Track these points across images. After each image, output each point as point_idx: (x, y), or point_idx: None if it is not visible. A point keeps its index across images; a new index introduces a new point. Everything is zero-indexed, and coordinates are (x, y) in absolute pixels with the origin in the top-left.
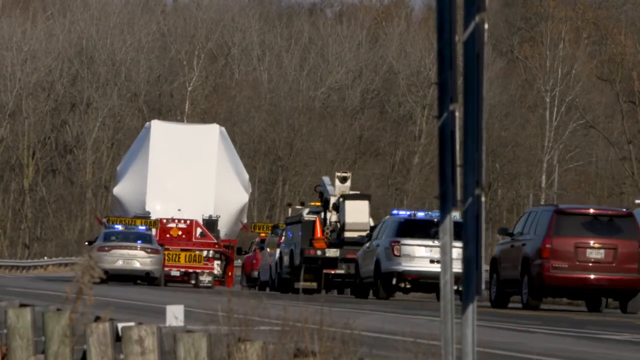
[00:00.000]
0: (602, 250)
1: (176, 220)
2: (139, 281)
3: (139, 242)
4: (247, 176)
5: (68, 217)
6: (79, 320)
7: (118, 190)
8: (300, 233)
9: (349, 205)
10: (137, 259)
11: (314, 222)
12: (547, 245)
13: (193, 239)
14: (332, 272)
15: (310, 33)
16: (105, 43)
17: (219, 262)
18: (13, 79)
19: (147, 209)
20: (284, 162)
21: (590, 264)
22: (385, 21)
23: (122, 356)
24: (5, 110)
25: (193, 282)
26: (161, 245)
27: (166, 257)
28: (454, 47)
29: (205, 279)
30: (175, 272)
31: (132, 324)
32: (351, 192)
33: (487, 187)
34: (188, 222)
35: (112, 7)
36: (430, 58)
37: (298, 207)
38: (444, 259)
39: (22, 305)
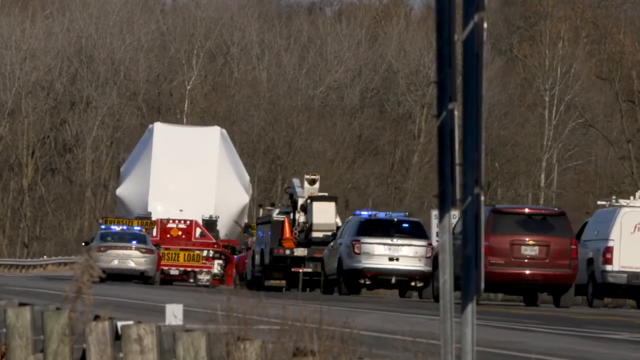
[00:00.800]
0: (536, 247)
1: (176, 221)
2: (135, 281)
3: (133, 242)
4: (247, 177)
5: (67, 216)
6: (78, 319)
7: (121, 191)
8: (269, 233)
9: (316, 206)
10: (132, 258)
11: (282, 222)
12: (485, 243)
13: (192, 239)
14: (300, 270)
15: (310, 32)
16: (104, 42)
17: (220, 261)
18: (12, 77)
19: (149, 209)
20: (283, 161)
21: (525, 261)
22: (385, 20)
23: (121, 355)
24: (4, 109)
25: (192, 280)
26: (156, 245)
27: (166, 257)
28: (453, 46)
29: (204, 277)
30: (174, 271)
31: (131, 322)
32: (319, 194)
33: (486, 186)
34: (188, 222)
35: (111, 6)
36: (429, 57)
37: (269, 207)
38: (443, 258)
39: (22, 304)
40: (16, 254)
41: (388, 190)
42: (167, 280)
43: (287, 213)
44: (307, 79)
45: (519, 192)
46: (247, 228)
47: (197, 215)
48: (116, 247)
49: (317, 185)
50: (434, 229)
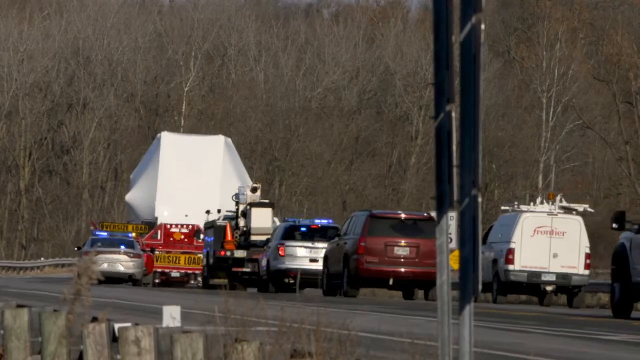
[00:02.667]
0: (408, 248)
1: (179, 225)
2: (129, 283)
3: (122, 247)
4: (250, 183)
5: (64, 218)
6: (76, 320)
7: (130, 197)
8: (213, 237)
9: (255, 212)
10: (121, 262)
11: (225, 226)
12: (362, 244)
13: (194, 243)
14: (240, 270)
15: (307, 33)
16: (102, 43)
17: None
18: (9, 79)
19: (156, 214)
20: (281, 163)
21: (398, 259)
22: (382, 22)
23: (118, 357)
24: (1, 110)
25: (192, 282)
26: (151, 249)
27: (167, 259)
28: (450, 47)
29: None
30: (175, 274)
31: (128, 324)
32: (257, 201)
33: (483, 188)
34: (190, 226)
35: (108, 8)
36: (426, 58)
37: (215, 213)
38: (441, 259)
39: (19, 306)
40: (14, 256)
41: (386, 192)
42: (169, 282)
43: (233, 218)
44: (305, 81)
45: (516, 193)
46: (197, 232)
47: (202, 220)
48: (105, 252)
49: (258, 192)
50: None
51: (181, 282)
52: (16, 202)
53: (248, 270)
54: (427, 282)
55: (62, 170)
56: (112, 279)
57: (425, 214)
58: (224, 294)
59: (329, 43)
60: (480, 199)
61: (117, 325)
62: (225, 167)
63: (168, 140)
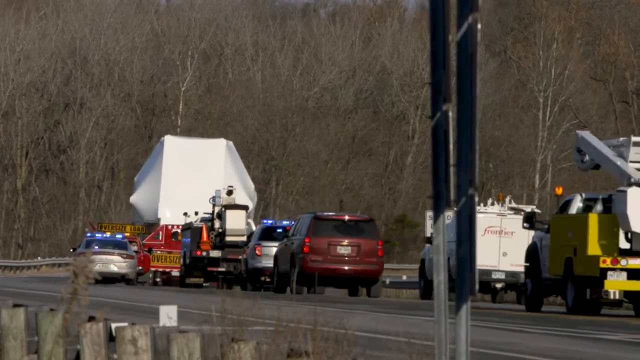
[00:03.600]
0: (349, 247)
1: (180, 226)
2: (123, 282)
3: (115, 248)
4: (252, 186)
5: (61, 217)
6: (73, 320)
7: (134, 198)
8: (190, 238)
9: (229, 214)
10: (114, 263)
11: (201, 228)
12: (307, 243)
13: None
14: (215, 269)
15: (304, 33)
16: (98, 43)
17: None
18: (6, 79)
19: (159, 215)
20: (278, 162)
21: (340, 258)
22: (379, 21)
23: (115, 356)
24: None
25: None
26: (149, 249)
27: (169, 260)
28: (447, 47)
29: None
30: (176, 273)
31: (125, 324)
32: (232, 204)
33: (480, 187)
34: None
35: (105, 7)
36: (423, 58)
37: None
38: (438, 259)
39: (16, 305)
40: (10, 255)
41: (382, 191)
42: (170, 281)
43: (210, 220)
44: (301, 80)
45: (513, 193)
46: (174, 234)
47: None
48: (100, 253)
49: (233, 195)
50: (429, 230)
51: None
52: (13, 202)
53: (223, 269)
54: (367, 279)
55: (59, 170)
56: (105, 278)
57: (366, 216)
58: (221, 294)
59: (326, 42)
60: (477, 199)
61: (114, 325)
62: (226, 170)
63: (171, 143)
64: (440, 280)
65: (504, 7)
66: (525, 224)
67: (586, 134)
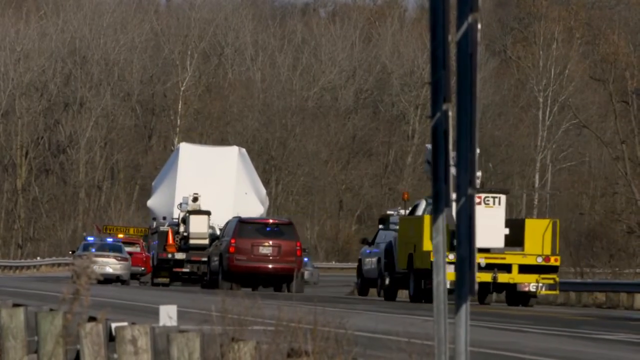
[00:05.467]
0: (270, 248)
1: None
2: (119, 283)
3: (111, 251)
4: (264, 191)
5: (61, 217)
6: (73, 320)
7: (151, 202)
8: (157, 241)
9: (193, 219)
10: (110, 265)
11: (167, 232)
12: (233, 244)
13: None
14: (180, 270)
15: (304, 33)
16: (98, 43)
17: None
18: (6, 78)
19: (174, 218)
20: (277, 162)
21: (262, 257)
22: (379, 21)
23: (115, 356)
24: None
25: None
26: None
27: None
28: (447, 47)
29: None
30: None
31: (125, 324)
32: (196, 209)
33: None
34: None
35: (105, 7)
36: (423, 58)
37: (162, 220)
38: (437, 259)
39: (15, 305)
40: (10, 255)
41: (382, 191)
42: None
43: (176, 225)
44: (301, 80)
45: (513, 192)
46: (144, 237)
47: (217, 225)
48: (96, 256)
49: (198, 202)
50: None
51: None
52: (13, 201)
53: (187, 270)
54: (287, 276)
55: (59, 170)
56: (101, 280)
57: (286, 220)
58: (221, 294)
59: (326, 42)
60: (476, 199)
61: (113, 325)
62: (238, 175)
63: (186, 150)
64: (439, 280)
65: (504, 7)
66: (380, 225)
67: None
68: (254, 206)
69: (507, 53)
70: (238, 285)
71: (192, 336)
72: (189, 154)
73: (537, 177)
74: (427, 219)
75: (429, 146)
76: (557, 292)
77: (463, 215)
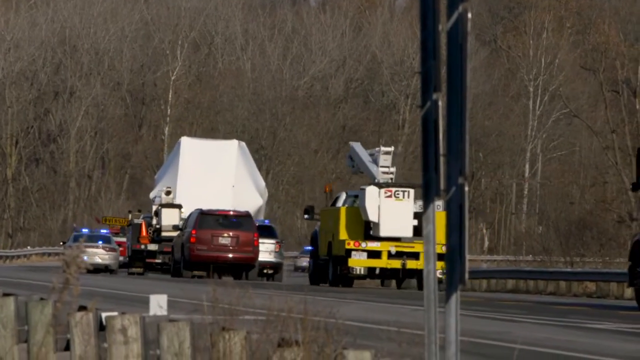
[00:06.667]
0: (229, 238)
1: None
2: (108, 273)
3: (100, 242)
4: (263, 183)
5: (51, 206)
6: (63, 309)
7: (154, 194)
8: (131, 233)
9: (164, 212)
10: (99, 255)
11: (140, 224)
12: (194, 235)
13: None
14: (153, 261)
15: (294, 22)
16: (88, 32)
17: None
18: None
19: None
20: (267, 152)
21: (222, 247)
22: (369, 10)
23: (105, 345)
24: None
25: None
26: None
27: None
28: (437, 36)
29: None
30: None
31: (115, 313)
32: (168, 203)
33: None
34: None
35: None
36: (413, 47)
37: (137, 213)
38: (427, 249)
39: (5, 295)
40: (0, 244)
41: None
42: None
43: (150, 217)
44: (291, 70)
45: (503, 182)
46: (122, 229)
47: None
48: (85, 246)
49: (171, 195)
50: None
51: None
52: (2, 191)
53: (159, 260)
54: (245, 265)
55: (49, 159)
56: (90, 270)
57: (244, 212)
58: (212, 283)
59: (316, 32)
60: (467, 188)
61: (104, 314)
62: (238, 168)
63: (187, 144)
64: (429, 269)
65: None
66: (305, 215)
67: (356, 145)
68: (252, 197)
69: (497, 42)
70: (203, 273)
71: (183, 325)
72: (189, 147)
73: (527, 166)
74: (343, 210)
75: (352, 144)
76: None
77: (453, 205)
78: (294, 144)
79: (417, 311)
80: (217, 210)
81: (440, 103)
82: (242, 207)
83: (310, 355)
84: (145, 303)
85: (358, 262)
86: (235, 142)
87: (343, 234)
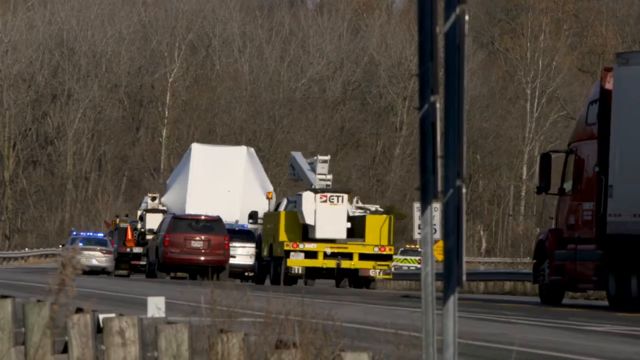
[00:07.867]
0: (201, 242)
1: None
2: (105, 275)
3: (96, 245)
4: (271, 188)
5: (49, 208)
6: (60, 311)
7: (165, 199)
8: (117, 236)
9: (148, 216)
10: (95, 258)
11: (126, 228)
12: (167, 238)
13: None
14: (138, 263)
15: (291, 24)
16: (86, 34)
17: None
18: None
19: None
20: (265, 154)
21: (194, 250)
22: (366, 13)
23: (103, 347)
24: None
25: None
26: None
27: None
28: (434, 38)
29: None
30: None
31: (113, 315)
32: (153, 208)
33: (468, 179)
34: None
35: None
36: (411, 50)
37: (124, 217)
38: (425, 250)
39: (2, 297)
40: None
41: (370, 183)
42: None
43: (136, 221)
44: (289, 72)
45: (500, 184)
46: (110, 232)
47: (227, 220)
48: (83, 249)
49: (157, 201)
50: (417, 222)
51: None
52: (0, 193)
53: (144, 263)
54: (216, 267)
55: (46, 161)
56: (87, 271)
57: (215, 216)
58: (210, 285)
59: (314, 34)
60: (464, 190)
61: (101, 316)
62: (246, 174)
63: (198, 150)
64: (427, 271)
65: None
66: (249, 220)
67: (297, 155)
68: (260, 202)
69: (494, 45)
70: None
71: (181, 327)
72: (200, 153)
73: (524, 168)
74: (282, 214)
75: (294, 153)
76: (391, 276)
77: (451, 207)
78: (291, 146)
79: (414, 313)
80: (189, 215)
81: (437, 105)
82: (250, 211)
83: (308, 357)
84: (143, 305)
85: (296, 262)
86: (244, 148)
87: (282, 236)
